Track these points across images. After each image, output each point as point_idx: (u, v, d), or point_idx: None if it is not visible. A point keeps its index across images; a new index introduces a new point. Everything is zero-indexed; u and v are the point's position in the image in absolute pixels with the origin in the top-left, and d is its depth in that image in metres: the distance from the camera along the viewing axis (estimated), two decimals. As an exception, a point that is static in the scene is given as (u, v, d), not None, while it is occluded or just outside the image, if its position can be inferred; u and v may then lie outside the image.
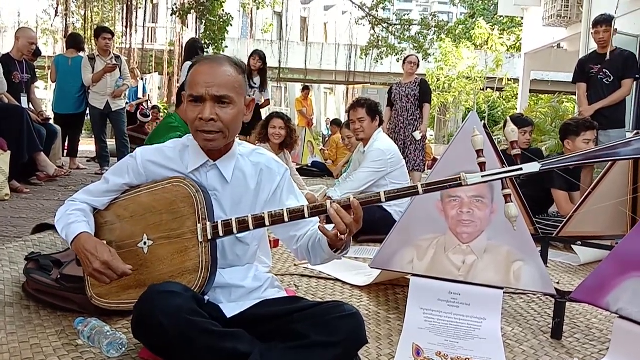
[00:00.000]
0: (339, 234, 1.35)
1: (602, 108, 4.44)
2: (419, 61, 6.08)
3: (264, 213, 1.39)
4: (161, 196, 1.48)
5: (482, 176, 1.33)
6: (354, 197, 1.35)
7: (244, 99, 1.49)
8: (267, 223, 1.39)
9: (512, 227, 1.30)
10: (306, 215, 1.37)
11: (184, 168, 1.51)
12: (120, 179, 1.55)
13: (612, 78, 4.47)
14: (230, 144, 1.51)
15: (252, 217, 1.40)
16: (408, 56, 6.17)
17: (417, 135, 5.74)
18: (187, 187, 1.45)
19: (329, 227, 1.39)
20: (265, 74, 6.27)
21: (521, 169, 1.32)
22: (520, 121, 4.01)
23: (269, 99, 6.42)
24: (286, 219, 1.38)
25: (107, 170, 1.77)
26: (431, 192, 1.37)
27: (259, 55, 6.19)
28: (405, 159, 5.68)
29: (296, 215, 1.38)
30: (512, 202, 1.29)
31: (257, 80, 6.10)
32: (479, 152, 1.33)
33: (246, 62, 6.00)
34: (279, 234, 1.62)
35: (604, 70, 4.48)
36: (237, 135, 1.57)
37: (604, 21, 4.48)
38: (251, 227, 1.40)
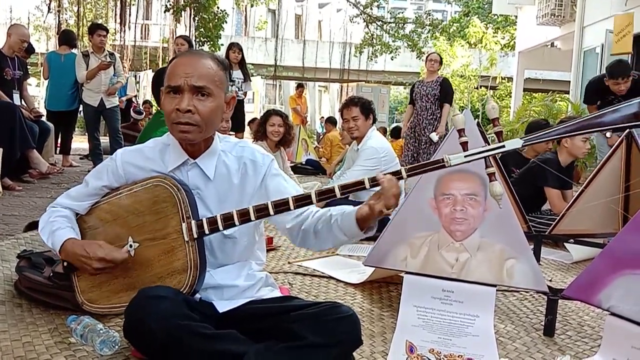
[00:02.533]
0: (384, 210, 1.32)
1: None
2: (441, 59, 5.92)
3: (249, 207, 1.38)
4: (142, 197, 1.47)
5: (465, 156, 1.31)
6: (338, 185, 1.34)
7: (224, 95, 1.46)
8: (252, 217, 1.37)
9: (498, 205, 1.30)
10: (291, 207, 1.35)
11: (164, 168, 1.48)
12: (99, 181, 1.53)
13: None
14: (209, 139, 1.48)
15: (237, 212, 1.38)
16: (430, 54, 6.04)
17: (434, 136, 5.51)
18: (167, 186, 1.43)
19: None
20: (245, 66, 6.28)
21: (503, 145, 1.30)
22: (545, 126, 3.90)
23: (246, 92, 6.44)
24: (271, 212, 1.36)
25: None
26: (415, 174, 1.38)
27: (238, 47, 6.18)
28: (428, 160, 5.59)
29: (281, 208, 1.36)
30: (496, 180, 1.29)
31: (236, 73, 6.08)
32: (461, 132, 1.31)
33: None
34: (278, 222, 1.56)
35: (619, 98, 4.46)
36: (231, 133, 1.55)
37: (622, 73, 4.31)
38: (237, 222, 1.38)
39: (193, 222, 1.41)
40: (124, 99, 8.52)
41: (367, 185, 1.35)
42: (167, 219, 1.43)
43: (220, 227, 1.40)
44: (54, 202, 1.60)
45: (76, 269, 1.52)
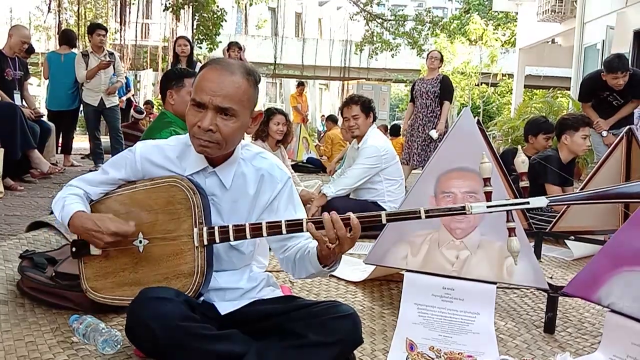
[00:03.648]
0: (326, 242, 1.29)
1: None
2: (442, 56, 5.89)
3: (261, 222, 1.37)
4: (158, 195, 1.47)
5: (487, 206, 1.31)
6: (355, 215, 1.29)
7: (251, 112, 1.42)
8: (264, 233, 1.37)
9: (514, 262, 1.30)
10: (304, 229, 1.34)
11: (182, 171, 1.48)
12: (117, 172, 1.53)
13: (622, 102, 4.49)
14: (231, 151, 1.47)
15: (249, 225, 1.38)
16: (430, 51, 6.04)
17: (434, 134, 5.47)
18: (184, 188, 1.43)
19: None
20: None
21: (528, 202, 1.31)
22: (546, 126, 3.87)
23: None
24: (284, 231, 1.36)
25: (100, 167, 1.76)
26: (434, 217, 1.36)
27: (237, 46, 6.06)
28: (424, 158, 5.58)
29: (294, 228, 1.35)
30: (515, 236, 1.29)
31: None
32: (486, 181, 1.32)
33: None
34: (269, 240, 1.57)
35: (614, 94, 4.47)
36: None
37: (623, 67, 4.27)
38: (248, 236, 1.38)
39: (205, 228, 1.40)
40: (124, 98, 8.53)
41: (384, 220, 1.32)
42: (179, 221, 1.43)
43: (231, 238, 1.39)
44: (69, 182, 1.59)
45: (84, 254, 1.51)
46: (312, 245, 1.42)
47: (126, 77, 8.51)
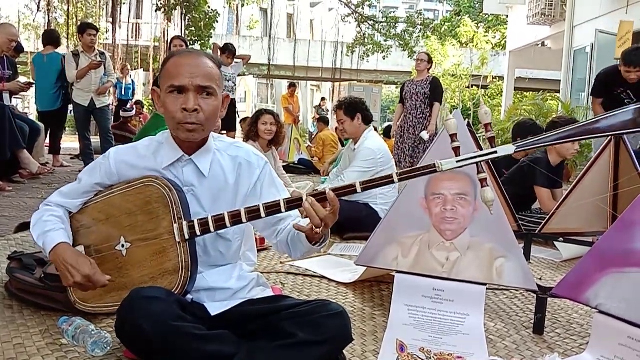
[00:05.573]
0: (314, 228, 1.33)
1: None
2: (429, 58, 5.90)
3: (240, 209, 1.39)
4: (135, 197, 1.47)
5: (457, 161, 1.31)
6: (329, 189, 1.33)
7: (220, 94, 1.47)
8: (244, 219, 1.38)
9: (489, 211, 1.30)
10: (282, 209, 1.36)
11: (158, 165, 1.48)
12: (92, 179, 1.53)
13: (634, 100, 4.48)
14: (206, 138, 1.48)
15: (228, 214, 1.39)
16: (418, 53, 6.09)
17: (425, 135, 5.49)
18: (159, 186, 1.43)
19: (304, 222, 1.39)
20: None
21: (496, 151, 1.31)
22: (534, 129, 3.77)
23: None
24: (263, 215, 1.37)
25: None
26: (406, 179, 1.37)
27: (229, 51, 6.21)
28: (414, 159, 5.58)
29: (273, 210, 1.37)
30: (488, 186, 1.29)
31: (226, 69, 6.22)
32: (453, 137, 1.32)
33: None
34: (259, 228, 1.59)
35: (628, 91, 4.46)
36: (223, 132, 1.55)
37: (637, 62, 4.21)
38: (228, 224, 1.39)
39: (184, 223, 1.41)
40: (134, 101, 8.56)
41: (358, 189, 1.36)
42: (159, 220, 1.43)
43: (212, 229, 1.40)
44: (47, 199, 1.59)
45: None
46: (301, 224, 1.44)
47: (132, 82, 8.51)
